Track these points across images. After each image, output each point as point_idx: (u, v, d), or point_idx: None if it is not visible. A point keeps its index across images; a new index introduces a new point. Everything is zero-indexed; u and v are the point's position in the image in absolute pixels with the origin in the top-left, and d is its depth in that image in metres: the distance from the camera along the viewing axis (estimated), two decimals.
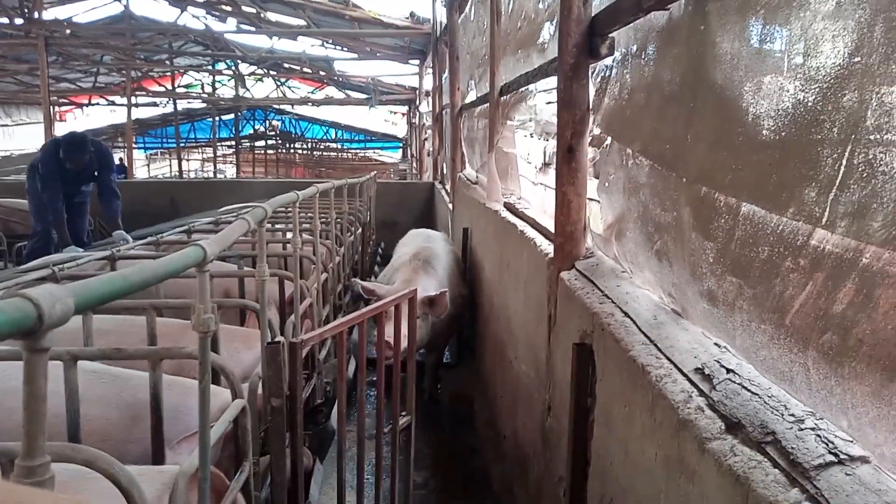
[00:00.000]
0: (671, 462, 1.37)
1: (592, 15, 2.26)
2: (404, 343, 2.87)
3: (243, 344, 2.53)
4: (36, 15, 11.11)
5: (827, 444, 1.06)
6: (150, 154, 25.06)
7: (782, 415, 1.17)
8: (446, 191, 7.85)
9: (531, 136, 4.55)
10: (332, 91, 18.73)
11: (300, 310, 2.79)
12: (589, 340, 2.01)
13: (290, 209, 2.93)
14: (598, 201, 2.39)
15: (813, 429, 1.11)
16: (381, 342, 2.66)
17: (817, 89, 1.11)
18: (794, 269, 1.14)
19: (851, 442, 1.05)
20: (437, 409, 4.71)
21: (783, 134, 1.19)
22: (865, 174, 0.99)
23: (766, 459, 1.11)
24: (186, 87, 19.87)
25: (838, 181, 1.04)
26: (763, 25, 1.28)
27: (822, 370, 1.05)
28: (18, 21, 11.33)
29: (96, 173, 6.34)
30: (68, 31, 12.57)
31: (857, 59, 1.03)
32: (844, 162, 1.04)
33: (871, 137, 0.98)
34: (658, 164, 1.73)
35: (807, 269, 1.11)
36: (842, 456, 1.03)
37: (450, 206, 6.98)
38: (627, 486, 1.65)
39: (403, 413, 2.74)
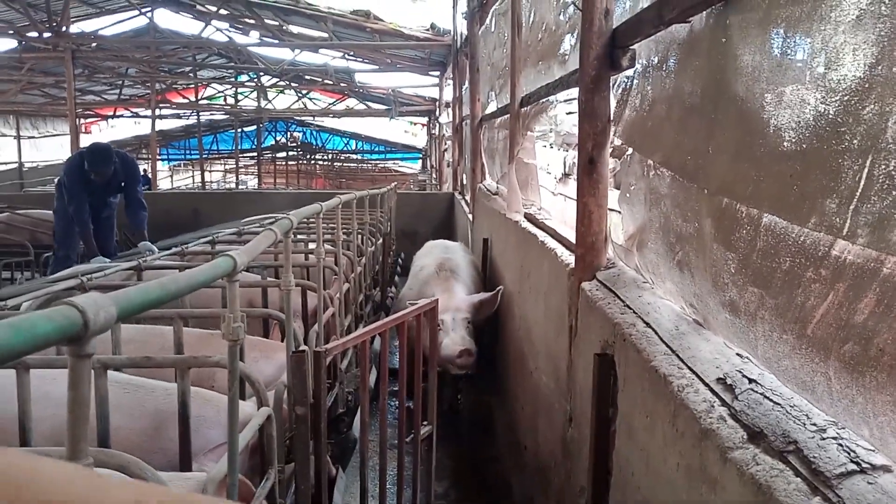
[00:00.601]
0: (693, 472, 1.38)
1: (614, 27, 2.28)
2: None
3: (262, 354, 2.57)
4: (63, 29, 11.34)
5: (849, 453, 1.07)
6: (174, 165, 25.40)
7: (804, 424, 1.18)
8: (466, 201, 7.88)
9: (551, 146, 4.58)
10: (352, 102, 18.88)
11: (323, 319, 2.82)
12: (610, 351, 2.02)
13: (312, 220, 2.98)
14: (619, 212, 2.40)
15: (835, 438, 1.12)
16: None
17: (838, 101, 1.12)
18: (816, 279, 1.15)
19: (874, 451, 1.06)
20: (457, 419, 4.72)
21: (804, 146, 1.20)
22: (886, 185, 1.00)
23: (788, 468, 1.11)
24: (209, 98, 20.15)
25: (859, 192, 1.05)
26: (784, 38, 1.29)
27: (843, 380, 1.06)
28: (46, 35, 11.57)
29: (122, 184, 6.33)
30: (94, 45, 12.82)
31: (877, 72, 1.04)
32: (865, 173, 1.05)
33: (892, 149, 0.99)
34: (679, 176, 1.74)
35: (828, 279, 1.12)
36: (864, 465, 1.04)
37: (469, 216, 7.01)
38: (649, 495, 1.65)
39: (425, 423, 2.76)
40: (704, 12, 1.66)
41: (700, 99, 1.66)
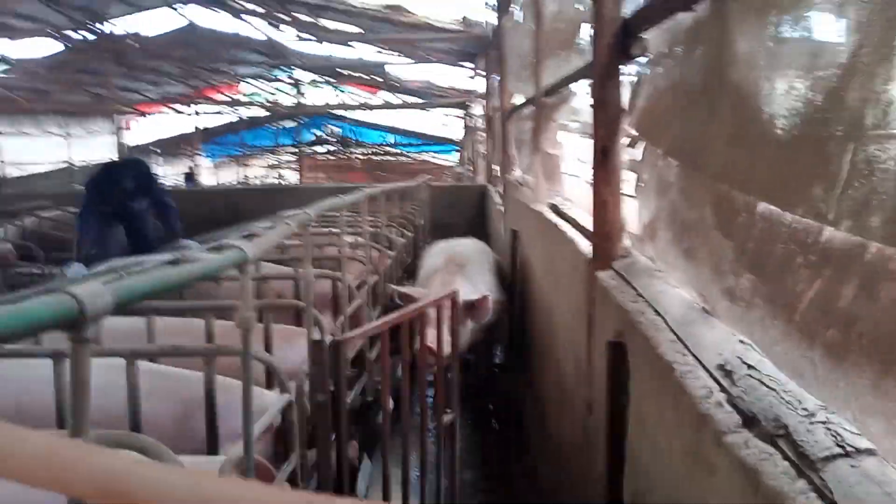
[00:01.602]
0: (692, 457, 1.40)
1: (625, 17, 2.28)
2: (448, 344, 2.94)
3: (288, 342, 2.65)
4: (106, 29, 11.65)
5: (835, 437, 1.08)
6: (217, 162, 25.88)
7: (796, 409, 1.19)
8: (498, 193, 7.90)
9: (583, 135, 4.56)
10: (387, 96, 18.98)
11: (349, 311, 2.89)
12: (622, 339, 2.04)
13: (348, 213, 3.05)
14: (636, 200, 2.41)
15: (823, 422, 1.13)
16: (423, 347, 2.72)
17: (823, 88, 1.13)
18: (805, 265, 1.16)
19: (859, 435, 1.07)
20: (487, 410, 4.77)
21: (793, 133, 1.21)
22: (866, 172, 1.01)
23: (777, 452, 1.13)
24: (248, 95, 20.47)
25: (843, 179, 1.06)
26: (775, 25, 1.30)
27: (827, 363, 1.07)
28: (90, 37, 11.89)
29: (140, 188, 6.46)
30: (136, 45, 13.13)
31: (859, 58, 1.05)
32: (848, 160, 1.06)
33: (871, 135, 1.00)
34: (684, 164, 1.75)
35: (816, 265, 1.13)
36: (848, 448, 1.05)
37: (500, 208, 7.03)
38: (656, 480, 1.68)
39: (448, 410, 2.81)
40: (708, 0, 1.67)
41: (702, 87, 1.67)
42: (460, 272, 4.28)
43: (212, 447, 2.07)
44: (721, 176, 1.48)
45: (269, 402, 2.06)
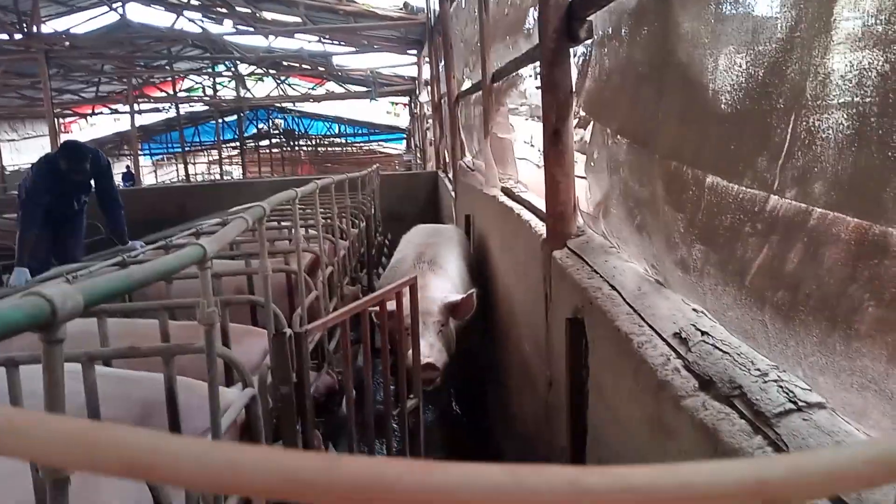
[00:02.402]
0: (653, 422, 1.45)
1: (570, 0, 2.32)
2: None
3: (248, 340, 2.63)
4: (35, 29, 11.23)
5: (788, 394, 1.14)
6: (157, 160, 25.25)
7: (749, 370, 1.25)
8: (449, 179, 7.93)
9: (531, 118, 4.60)
10: (332, 86, 18.80)
11: (305, 303, 2.88)
12: (580, 315, 2.09)
13: (289, 206, 3.02)
14: (588, 180, 2.46)
15: (776, 381, 1.19)
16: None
17: (765, 63, 1.18)
18: (753, 233, 1.21)
19: (810, 390, 1.13)
20: (449, 394, 4.80)
21: (738, 107, 1.26)
22: (807, 141, 1.06)
23: (733, 411, 1.19)
24: (188, 90, 19.99)
25: (785, 149, 1.12)
26: (716, 4, 1.35)
27: (777, 325, 1.13)
28: (18, 36, 11.45)
29: (93, 182, 5.97)
30: (67, 44, 12.70)
31: (797, 33, 1.10)
32: (790, 130, 1.11)
33: (811, 105, 1.05)
34: (634, 142, 1.80)
35: (763, 232, 1.19)
36: (800, 403, 1.11)
37: (452, 194, 7.06)
38: (619, 450, 1.73)
39: (411, 396, 2.83)
40: None
41: (649, 67, 1.71)
42: (431, 269, 4.02)
43: None
44: (671, 152, 1.53)
45: (231, 398, 2.05)
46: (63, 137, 15.16)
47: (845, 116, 0.98)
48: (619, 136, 1.93)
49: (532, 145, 4.81)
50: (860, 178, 0.95)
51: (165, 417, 2.08)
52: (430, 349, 3.29)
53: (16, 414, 0.29)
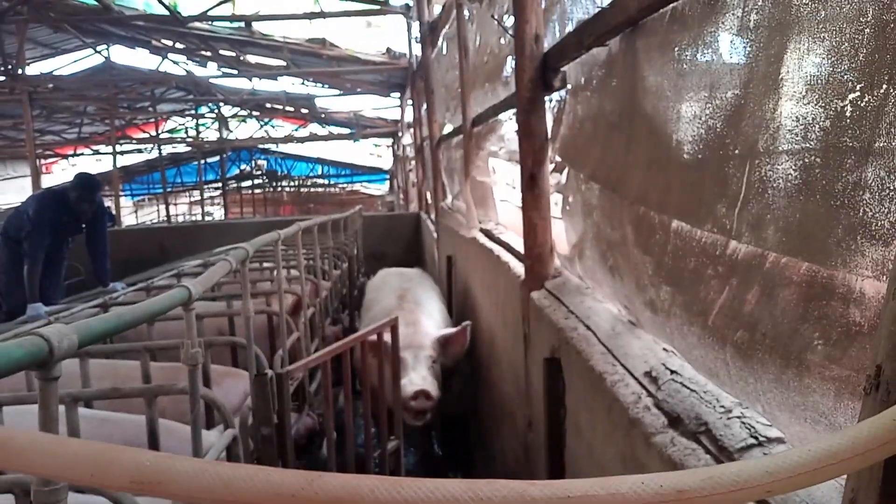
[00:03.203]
0: (626, 459, 1.50)
1: (545, 51, 2.43)
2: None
3: (228, 381, 2.65)
4: (19, 71, 11.30)
5: (749, 430, 1.20)
6: (138, 201, 25.16)
7: (714, 407, 1.31)
8: (431, 220, 8.01)
9: (511, 161, 4.69)
10: (315, 128, 18.97)
11: (287, 344, 2.91)
12: (557, 354, 2.14)
13: (271, 248, 3.07)
14: (564, 222, 2.54)
15: (739, 417, 1.25)
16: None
17: (722, 115, 1.26)
18: (715, 276, 1.28)
19: (770, 426, 1.19)
20: (431, 432, 4.79)
21: (699, 156, 1.35)
22: (759, 189, 1.13)
23: (699, 447, 1.24)
24: (170, 131, 20.07)
25: (741, 197, 1.19)
26: (677, 61, 1.44)
27: (737, 363, 1.19)
28: (2, 78, 11.51)
29: (83, 226, 5.87)
30: (51, 85, 12.77)
31: (749, 90, 1.19)
32: (745, 179, 1.18)
33: (763, 156, 1.13)
34: (605, 188, 1.88)
35: (724, 275, 1.26)
36: (761, 438, 1.17)
37: (434, 234, 7.13)
38: None
39: (392, 438, 2.85)
40: (618, 37, 1.81)
41: (619, 116, 1.80)
42: (420, 310, 4.09)
43: None
44: (639, 198, 1.60)
45: (212, 440, 2.06)
46: (44, 179, 15.14)
47: (793, 167, 1.06)
48: (591, 182, 2.01)
49: (514, 187, 4.90)
50: (808, 224, 1.03)
51: None
52: (423, 380, 3.33)
53: (42, 436, 0.33)
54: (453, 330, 3.69)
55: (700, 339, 1.32)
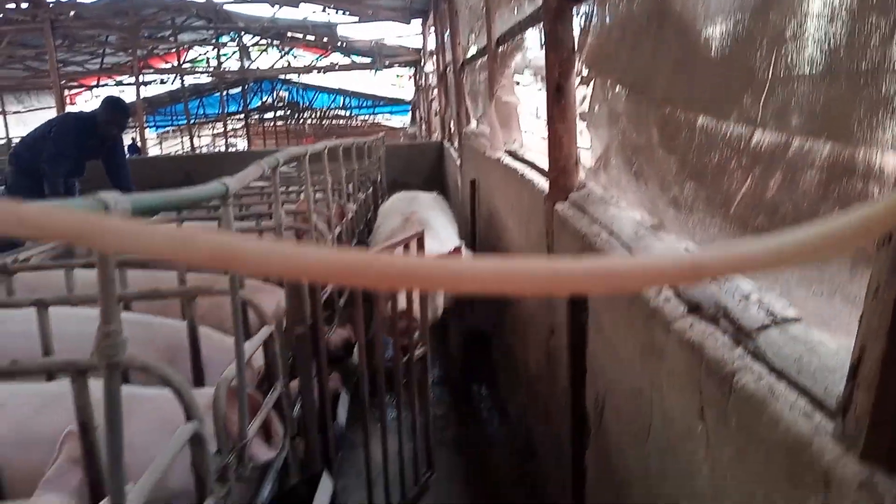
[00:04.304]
0: (645, 347, 1.57)
1: None
2: None
3: (266, 296, 2.74)
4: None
5: (767, 311, 1.25)
6: (162, 132, 25.26)
7: (733, 294, 1.36)
8: (454, 148, 8.00)
9: (538, 85, 4.64)
10: (336, 58, 18.75)
11: None
12: None
13: (303, 174, 3.12)
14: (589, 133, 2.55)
15: (757, 301, 1.30)
16: (395, 315, 2.79)
17: (750, 6, 1.27)
18: (738, 167, 1.31)
19: (788, 307, 1.24)
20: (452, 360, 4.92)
21: (727, 52, 1.36)
22: (785, 76, 1.15)
23: (717, 329, 1.30)
24: (192, 62, 19.96)
25: (767, 86, 1.21)
26: None
27: None
28: (24, 5, 11.47)
29: (103, 153, 5.84)
30: (73, 13, 12.71)
31: None
32: (771, 69, 1.20)
33: (790, 44, 1.15)
34: (632, 91, 1.89)
35: (748, 165, 1.29)
36: (778, 318, 1.22)
37: (458, 161, 7.14)
38: (615, 378, 1.85)
39: (420, 345, 2.96)
40: None
41: (647, 18, 1.80)
42: (424, 229, 4.13)
43: (198, 384, 2.17)
44: (666, 98, 1.62)
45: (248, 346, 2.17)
46: (69, 110, 15.22)
47: (819, 51, 1.08)
48: (618, 87, 2.02)
49: (538, 117, 4.86)
50: (831, 106, 1.05)
51: (187, 362, 2.22)
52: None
53: (127, 222, 0.39)
54: (445, 250, 3.64)
55: (721, 230, 1.36)
